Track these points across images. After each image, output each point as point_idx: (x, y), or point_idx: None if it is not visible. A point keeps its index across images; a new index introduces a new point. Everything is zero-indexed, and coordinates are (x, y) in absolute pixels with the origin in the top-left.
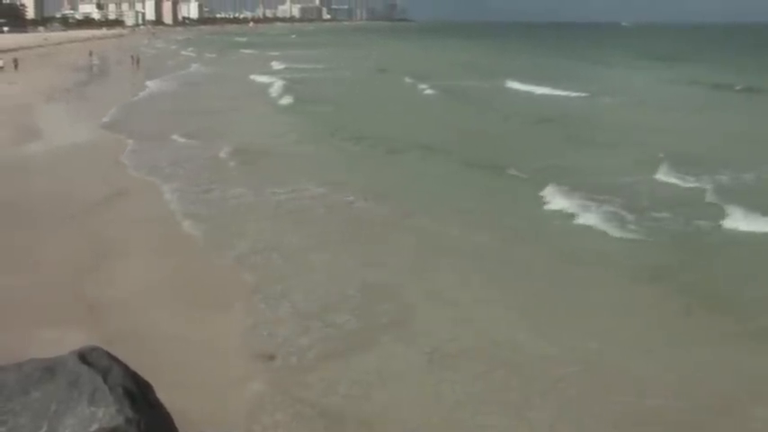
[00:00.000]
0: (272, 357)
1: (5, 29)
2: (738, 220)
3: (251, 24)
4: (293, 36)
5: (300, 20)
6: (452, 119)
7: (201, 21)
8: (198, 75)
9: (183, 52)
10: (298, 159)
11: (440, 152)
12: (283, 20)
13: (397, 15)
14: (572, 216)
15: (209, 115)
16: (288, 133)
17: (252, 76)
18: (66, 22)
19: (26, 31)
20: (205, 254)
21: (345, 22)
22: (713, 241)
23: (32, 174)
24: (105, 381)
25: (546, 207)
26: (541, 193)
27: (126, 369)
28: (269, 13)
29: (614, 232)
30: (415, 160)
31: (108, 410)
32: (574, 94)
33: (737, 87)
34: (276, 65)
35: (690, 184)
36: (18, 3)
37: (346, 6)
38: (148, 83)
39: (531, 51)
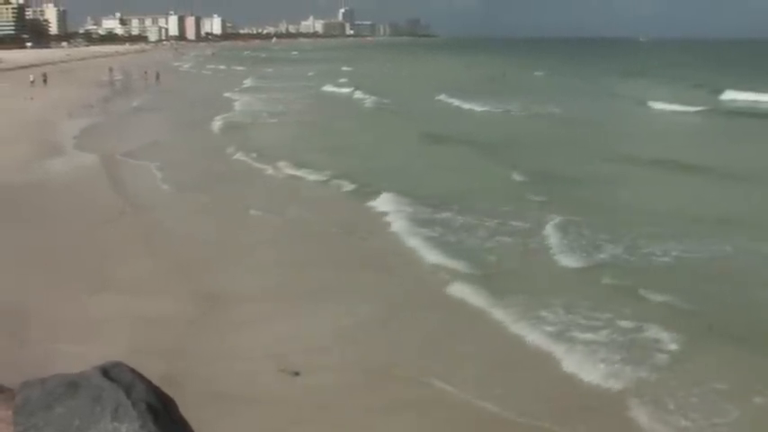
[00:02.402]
0: (296, 374)
1: (29, 44)
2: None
3: (274, 40)
4: (294, 53)
5: (324, 35)
6: (367, 133)
7: (224, 36)
8: (183, 90)
9: (183, 68)
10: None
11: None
12: (306, 35)
13: (420, 31)
14: (387, 219)
15: (168, 130)
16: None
17: (226, 94)
18: (90, 38)
19: (49, 47)
20: (194, 270)
21: (369, 38)
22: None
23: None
24: (128, 396)
25: (371, 211)
26: (373, 203)
27: (149, 384)
28: (292, 29)
29: (412, 241)
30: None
31: (131, 426)
32: (510, 111)
33: (684, 109)
34: (249, 82)
35: (533, 199)
36: (41, 18)
37: (369, 22)
38: (135, 99)
39: (519, 65)
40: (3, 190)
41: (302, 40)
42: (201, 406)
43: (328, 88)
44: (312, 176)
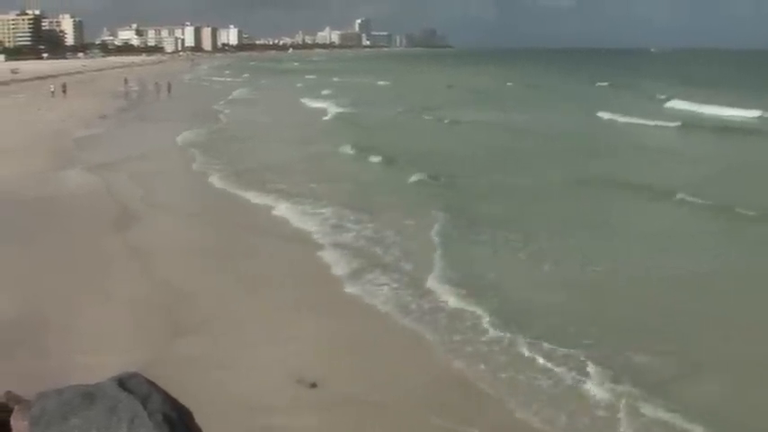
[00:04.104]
0: (313, 385)
1: (45, 55)
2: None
3: (290, 51)
4: (296, 63)
5: (340, 46)
6: (310, 144)
7: (240, 47)
8: (184, 101)
9: (185, 79)
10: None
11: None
12: (323, 46)
13: (436, 41)
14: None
15: (155, 141)
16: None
17: (214, 106)
18: (106, 49)
19: (65, 58)
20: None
21: (384, 49)
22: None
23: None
24: (145, 407)
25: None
26: (274, 211)
27: (165, 395)
28: (308, 40)
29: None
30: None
31: None
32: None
33: (626, 120)
34: (238, 94)
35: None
36: (58, 29)
37: (385, 33)
38: (141, 110)
39: (506, 75)
40: (16, 202)
41: (318, 50)
42: (213, 415)
43: (305, 100)
44: (240, 189)
